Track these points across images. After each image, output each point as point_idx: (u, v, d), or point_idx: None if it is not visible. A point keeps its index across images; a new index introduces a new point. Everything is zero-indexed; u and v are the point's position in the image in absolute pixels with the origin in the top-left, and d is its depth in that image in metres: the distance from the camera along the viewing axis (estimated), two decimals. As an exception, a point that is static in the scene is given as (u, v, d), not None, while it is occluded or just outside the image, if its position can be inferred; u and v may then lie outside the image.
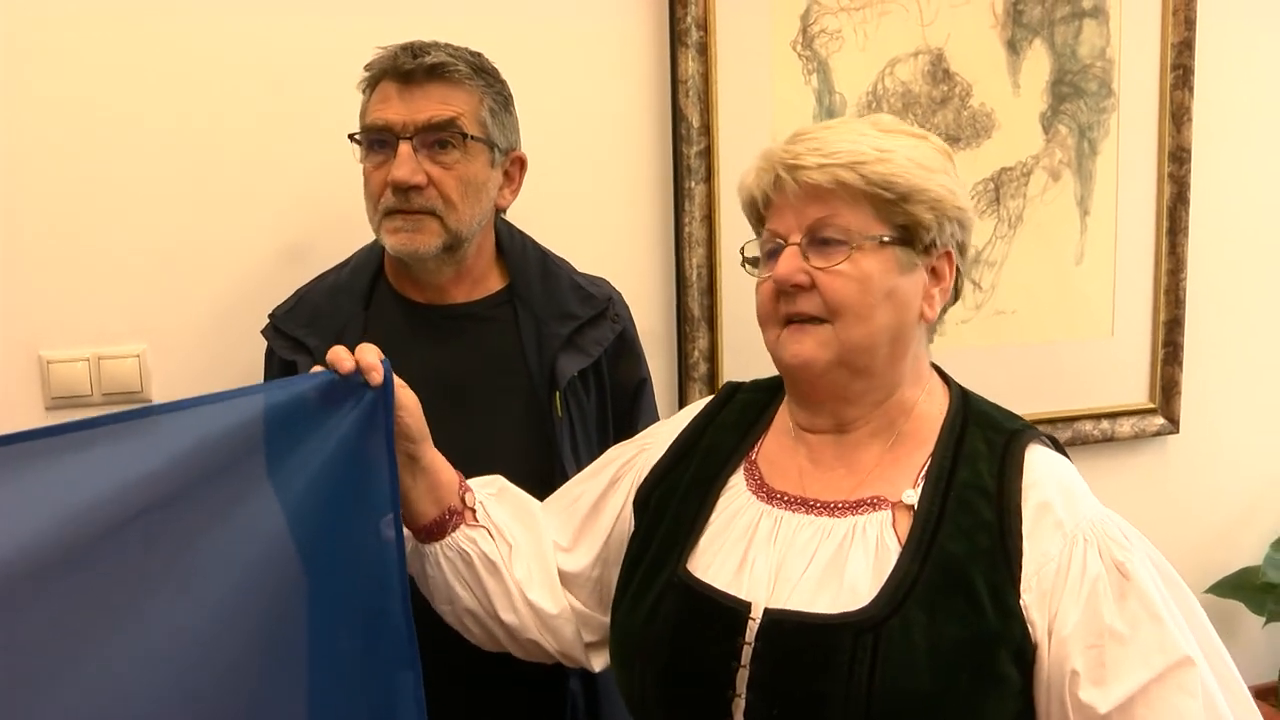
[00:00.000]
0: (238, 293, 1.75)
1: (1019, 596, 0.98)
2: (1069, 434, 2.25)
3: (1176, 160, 2.27)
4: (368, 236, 1.52)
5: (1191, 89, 2.26)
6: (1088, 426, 2.27)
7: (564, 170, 1.51)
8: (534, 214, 1.61)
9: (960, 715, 0.96)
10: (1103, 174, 2.19)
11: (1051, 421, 2.22)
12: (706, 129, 1.86)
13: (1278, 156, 2.41)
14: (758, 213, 1.14)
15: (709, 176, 1.87)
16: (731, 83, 1.87)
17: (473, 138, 1.38)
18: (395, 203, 1.36)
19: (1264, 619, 2.33)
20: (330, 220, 1.73)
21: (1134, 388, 2.32)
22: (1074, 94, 2.14)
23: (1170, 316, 2.31)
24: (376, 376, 1.14)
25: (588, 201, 1.86)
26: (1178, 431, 2.37)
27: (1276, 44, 2.37)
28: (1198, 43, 2.26)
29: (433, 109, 1.36)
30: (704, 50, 1.85)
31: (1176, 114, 2.26)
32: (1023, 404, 1.97)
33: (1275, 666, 2.36)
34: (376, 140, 1.38)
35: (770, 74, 1.91)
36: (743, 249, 1.15)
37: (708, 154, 1.87)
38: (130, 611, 1.16)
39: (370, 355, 1.13)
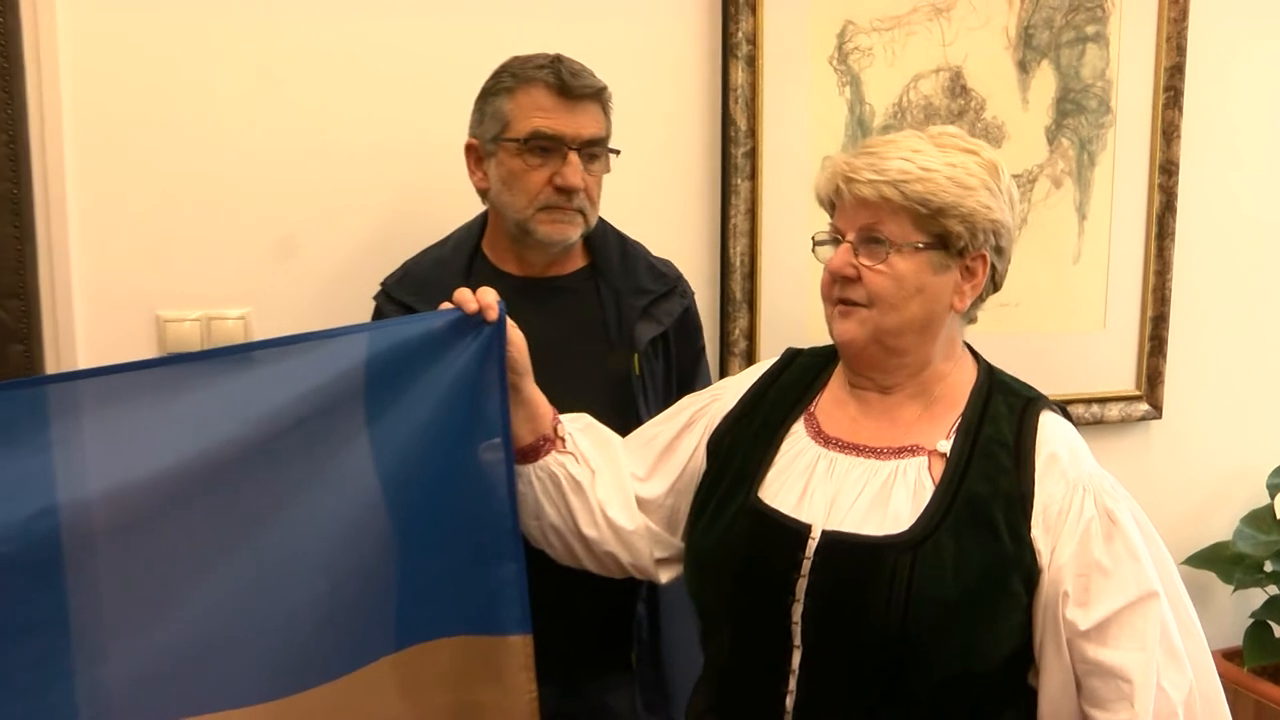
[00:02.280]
0: (332, 263, 1.98)
1: (1029, 530, 1.22)
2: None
3: (1166, 172, 2.50)
4: (448, 214, 1.77)
5: (1181, 108, 2.49)
6: (1079, 409, 2.50)
7: (626, 166, 1.73)
8: (601, 204, 1.85)
9: (977, 621, 1.20)
10: (1100, 183, 2.42)
11: None
12: (752, 132, 2.10)
13: (1259, 171, 2.64)
14: (828, 204, 1.36)
15: (753, 175, 2.11)
16: (775, 92, 2.11)
17: (608, 152, 1.65)
18: (557, 200, 1.61)
19: (1233, 587, 2.57)
20: (414, 200, 1.96)
21: (1122, 376, 2.55)
22: (1076, 110, 2.38)
23: (1156, 313, 2.54)
24: (493, 314, 1.38)
25: (646, 194, 2.08)
26: (1161, 417, 2.60)
27: (1259, 70, 2.60)
28: (1187, 67, 2.48)
29: (593, 127, 1.62)
30: (752, 63, 2.08)
31: (1167, 131, 2.49)
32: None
33: (1242, 629, 2.59)
34: (541, 145, 1.61)
35: (809, 85, 2.14)
36: (815, 235, 1.37)
37: (753, 155, 2.11)
38: (255, 522, 1.39)
39: (489, 296, 1.37)
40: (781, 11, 2.08)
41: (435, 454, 1.42)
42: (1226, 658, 2.61)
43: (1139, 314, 2.53)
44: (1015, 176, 2.29)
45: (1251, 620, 2.57)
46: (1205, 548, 2.64)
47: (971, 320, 1.39)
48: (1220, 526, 2.66)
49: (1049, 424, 1.29)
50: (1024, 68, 2.31)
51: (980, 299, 1.36)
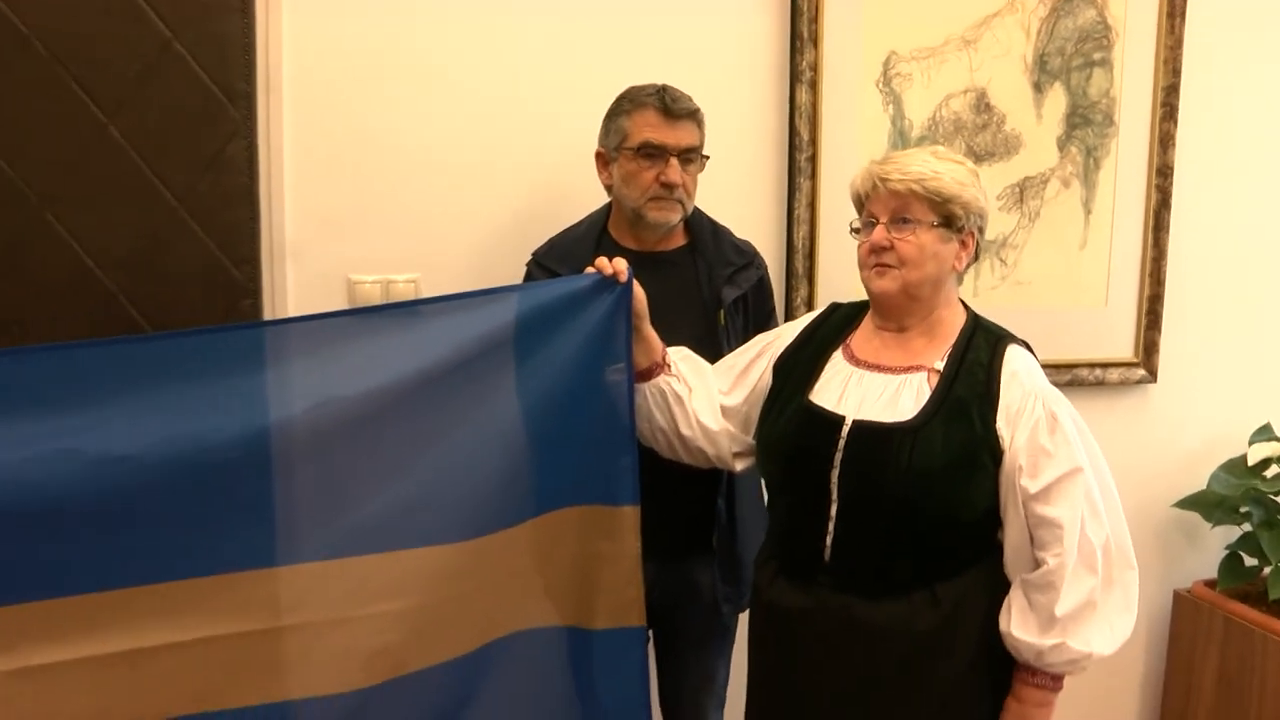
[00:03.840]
0: (486, 237, 2.55)
1: (995, 422, 1.75)
2: (1069, 378, 2.93)
3: (1162, 175, 2.94)
4: (579, 203, 2.33)
5: (1176, 121, 2.93)
6: (1084, 373, 2.97)
7: (716, 168, 2.26)
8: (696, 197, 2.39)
9: (958, 483, 1.74)
10: (1103, 183, 2.89)
11: (1056, 367, 2.87)
12: (813, 141, 2.64)
13: (1246, 174, 3.06)
14: (860, 201, 1.90)
15: (813, 175, 2.65)
16: (832, 108, 2.65)
17: (702, 157, 2.20)
18: (662, 193, 2.16)
19: (1212, 524, 3.05)
20: (553, 190, 2.52)
21: (1122, 346, 3.00)
22: (1083, 123, 2.86)
23: (1153, 293, 2.98)
24: (624, 276, 1.94)
25: (731, 189, 2.58)
26: (1155, 381, 3.04)
27: (1246, 87, 3.03)
28: (1182, 85, 2.92)
29: (689, 138, 2.17)
30: (814, 86, 2.62)
31: (1164, 140, 2.93)
32: (1041, 352, 2.63)
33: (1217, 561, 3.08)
34: (649, 152, 2.16)
35: (859, 103, 2.68)
36: (852, 223, 1.91)
37: (813, 159, 2.65)
38: (429, 431, 1.91)
39: (622, 264, 1.94)
40: (837, 45, 2.62)
41: (576, 376, 1.97)
42: (1208, 585, 3.10)
43: (1137, 293, 2.97)
44: (1029, 178, 2.84)
45: (1226, 551, 3.04)
46: (1193, 494, 3.07)
47: (960, 281, 1.91)
48: (1206, 476, 3.07)
49: (1013, 353, 1.82)
50: (1039, 88, 2.81)
51: (970, 264, 1.89)
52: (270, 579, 1.87)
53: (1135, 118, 2.92)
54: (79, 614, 1.78)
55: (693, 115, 2.19)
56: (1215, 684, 3.01)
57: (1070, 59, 2.82)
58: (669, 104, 2.17)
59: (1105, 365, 3.00)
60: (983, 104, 2.76)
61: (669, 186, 2.16)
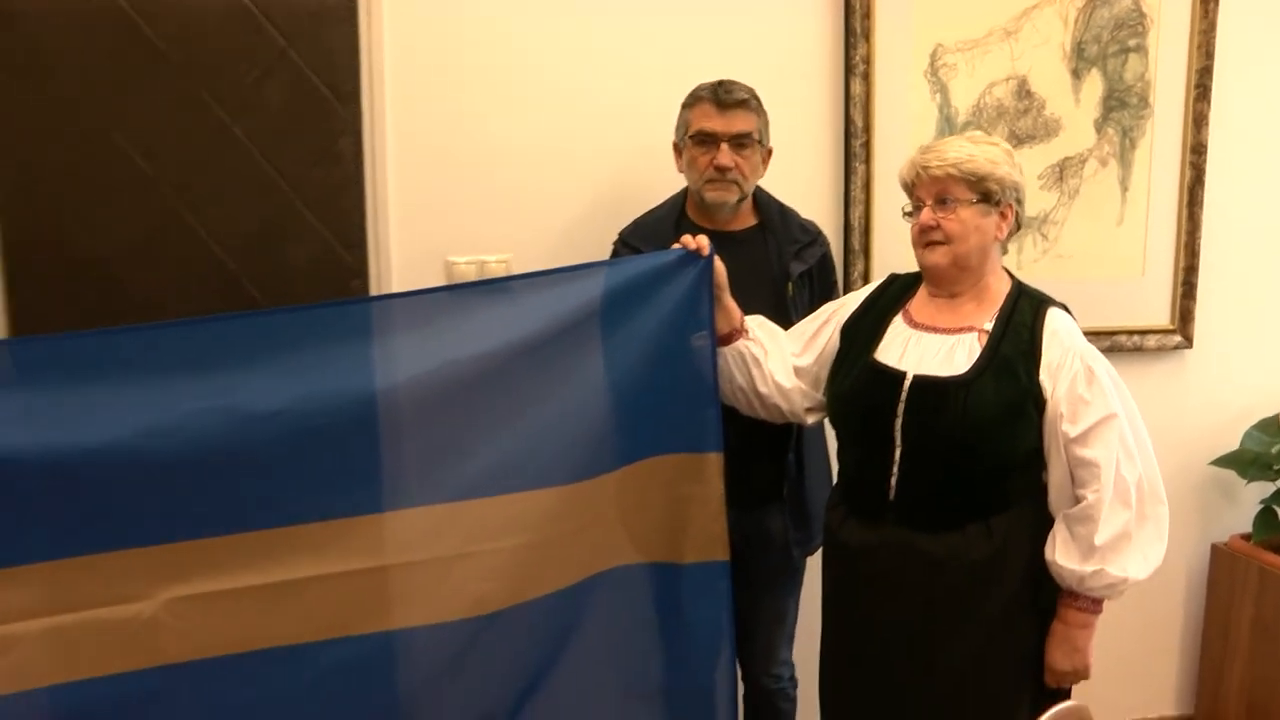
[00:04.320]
0: (571, 220, 2.80)
1: (1039, 376, 1.98)
2: (1108, 344, 3.08)
3: (1196, 153, 3.11)
4: (658, 188, 2.57)
5: (1209, 101, 3.10)
6: (1123, 339, 3.16)
7: (775, 154, 2.51)
8: (765, 181, 2.62)
9: (1006, 430, 1.98)
10: (1139, 162, 3.08)
11: (1096, 334, 2.99)
12: (866, 129, 2.87)
13: (1274, 151, 3.23)
14: (908, 188, 2.12)
15: (867, 159, 2.88)
16: (883, 98, 2.87)
17: (756, 142, 2.42)
18: (716, 176, 2.40)
19: (1247, 480, 3.24)
20: (634, 176, 2.75)
21: (1159, 314, 3.19)
22: (1119, 106, 3.06)
23: (1188, 264, 3.16)
24: (706, 251, 2.19)
25: (795, 174, 2.80)
26: (1191, 347, 3.22)
27: (1276, 68, 3.20)
28: (1215, 68, 3.09)
29: (741, 124, 2.40)
30: (866, 78, 2.85)
31: (1197, 119, 3.10)
32: (1081, 319, 2.77)
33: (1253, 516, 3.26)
34: (704, 140, 2.40)
35: (908, 92, 2.90)
36: (904, 207, 2.14)
37: (867, 145, 2.88)
38: (528, 393, 2.17)
39: (704, 240, 2.18)
40: (887, 39, 2.85)
41: (665, 340, 2.22)
42: (1243, 538, 3.29)
43: (1173, 265, 3.16)
44: (1068, 159, 3.04)
45: (1260, 506, 3.23)
46: (1228, 452, 3.26)
47: (1004, 250, 2.13)
48: (1240, 435, 3.25)
49: (1054, 315, 2.05)
50: (1077, 74, 3.01)
51: (1011, 233, 2.11)
52: (378, 523, 2.14)
53: (1169, 99, 3.10)
54: (234, 551, 2.07)
55: (744, 104, 2.42)
56: (1250, 630, 3.21)
57: (1106, 46, 3.02)
58: (721, 95, 2.41)
59: (1143, 332, 3.19)
60: (1023, 90, 2.97)
61: (721, 169, 2.40)
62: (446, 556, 2.17)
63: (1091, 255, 3.11)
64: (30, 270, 2.65)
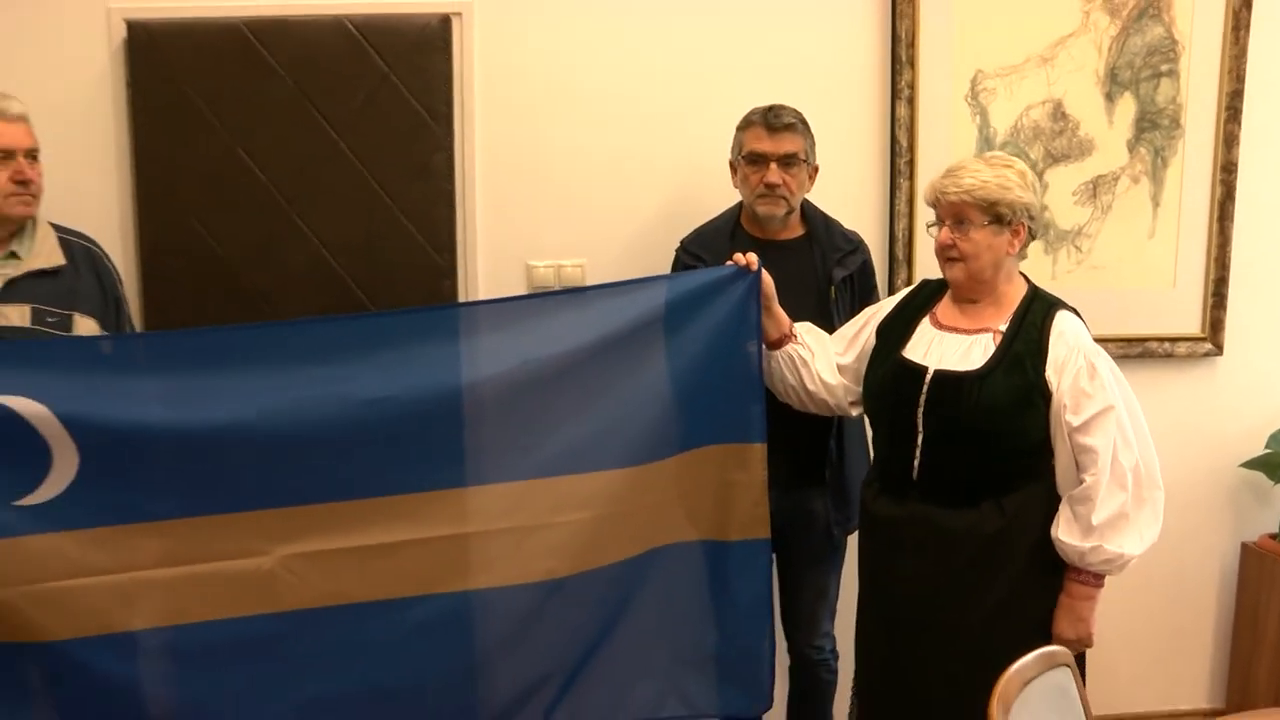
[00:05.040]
0: (640, 227, 3.09)
1: (1045, 371, 2.23)
2: (1140, 350, 3.31)
3: (1226, 170, 3.29)
4: (714, 200, 2.84)
5: (1240, 123, 3.28)
6: (1154, 346, 3.34)
7: (827, 171, 2.77)
8: (812, 195, 2.88)
9: (1016, 418, 2.23)
10: (1170, 179, 3.27)
11: (1129, 340, 3.28)
12: (910, 148, 3.14)
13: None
14: (931, 206, 2.38)
15: (911, 176, 3.14)
16: (926, 120, 3.13)
17: (803, 161, 2.69)
18: (766, 191, 2.67)
19: (1275, 482, 3.38)
20: (696, 190, 3.02)
21: (1189, 322, 3.36)
22: (1151, 127, 3.26)
23: (1218, 275, 3.33)
24: (754, 266, 2.46)
25: (841, 188, 3.05)
26: (1221, 354, 3.37)
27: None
28: (1245, 91, 3.27)
29: (789, 146, 2.67)
30: (911, 102, 3.11)
31: (1228, 140, 3.28)
32: (1111, 328, 3.13)
33: (1281, 518, 3.44)
34: (755, 159, 2.68)
35: (950, 115, 3.15)
36: (928, 222, 2.40)
37: (911, 163, 3.14)
38: (595, 389, 2.47)
39: (753, 256, 2.46)
40: (931, 67, 3.11)
41: (718, 344, 2.50)
42: (1272, 537, 3.44)
43: (1203, 276, 3.33)
44: (1101, 176, 3.25)
45: (1286, 506, 3.42)
46: (1257, 455, 3.41)
47: (1023, 258, 2.38)
48: (1266, 439, 3.41)
49: (1062, 317, 2.30)
50: (1110, 98, 3.22)
51: (1025, 246, 2.35)
52: (461, 497, 2.47)
53: (1200, 120, 3.28)
54: (341, 515, 2.41)
55: (791, 127, 2.69)
56: (1279, 626, 3.37)
57: (1139, 71, 3.23)
58: (770, 120, 2.69)
59: (1174, 340, 3.37)
60: (1059, 113, 3.20)
61: (771, 186, 2.68)
62: (522, 527, 2.48)
63: (1124, 267, 3.31)
64: (162, 268, 3.01)
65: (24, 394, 2.22)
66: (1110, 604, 2.90)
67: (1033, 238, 2.37)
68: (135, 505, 2.32)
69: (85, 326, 2.58)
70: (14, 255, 2.55)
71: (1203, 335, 3.40)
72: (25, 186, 2.51)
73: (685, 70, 3.10)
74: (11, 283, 2.53)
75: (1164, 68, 3.25)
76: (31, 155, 2.54)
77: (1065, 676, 1.93)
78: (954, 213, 2.30)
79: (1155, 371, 3.36)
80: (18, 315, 2.50)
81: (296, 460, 2.38)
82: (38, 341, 2.47)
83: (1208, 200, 3.34)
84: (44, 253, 2.59)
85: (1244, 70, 3.30)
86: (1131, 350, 3.32)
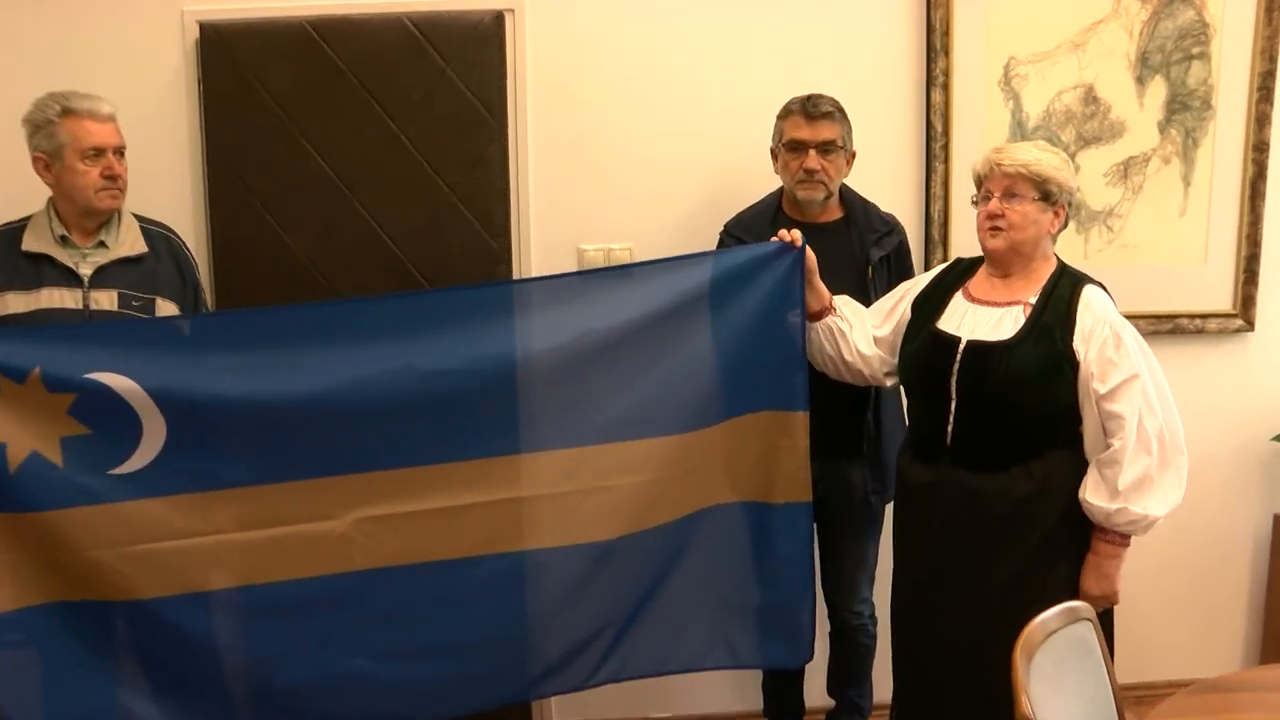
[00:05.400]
0: (685, 212, 3.23)
1: (1073, 341, 2.35)
2: (1171, 326, 3.39)
3: (1258, 150, 3.36)
4: (761, 184, 2.97)
5: (1272, 102, 3.35)
6: (1185, 323, 3.43)
7: (865, 156, 2.90)
8: (851, 179, 3.01)
9: (1043, 385, 2.35)
10: (1201, 159, 3.35)
11: (1159, 317, 3.37)
12: (945, 133, 3.25)
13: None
14: (979, 180, 2.50)
15: (946, 160, 3.26)
16: (961, 106, 3.24)
17: (840, 148, 2.82)
18: (805, 177, 2.81)
19: (1306, 455, 3.50)
20: (739, 176, 3.15)
21: (1220, 299, 3.45)
22: (1182, 109, 3.35)
23: (1250, 252, 3.41)
24: (799, 243, 2.59)
25: (878, 172, 3.16)
26: (1252, 330, 3.46)
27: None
28: (1278, 71, 3.36)
29: (826, 133, 2.80)
30: (946, 88, 3.23)
31: (1260, 119, 3.35)
32: (1143, 304, 3.24)
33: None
34: (795, 147, 2.82)
35: (984, 100, 3.26)
36: (973, 196, 2.53)
37: (946, 148, 3.26)
38: (643, 361, 2.62)
39: (797, 233, 2.59)
40: (965, 54, 3.22)
41: (764, 317, 2.64)
42: (1303, 511, 3.56)
43: (1234, 253, 3.41)
44: (1132, 158, 3.35)
45: (1319, 478, 3.50)
46: None
47: (1054, 241, 2.50)
48: None
49: (1089, 290, 2.42)
50: (1141, 81, 3.32)
51: (1062, 228, 2.48)
52: (517, 463, 2.64)
53: (1232, 101, 3.36)
54: (408, 481, 2.59)
55: (829, 115, 2.83)
56: (1310, 595, 3.47)
57: (1170, 54, 3.33)
58: (809, 108, 2.82)
59: (1205, 316, 3.46)
60: (1090, 97, 3.31)
61: (810, 172, 2.82)
62: (577, 490, 2.65)
63: (1155, 244, 3.40)
64: (233, 254, 3.19)
65: (115, 370, 2.42)
66: (1144, 575, 3.10)
67: (1067, 223, 2.49)
68: (216, 473, 2.51)
69: (166, 309, 2.76)
70: (102, 244, 2.74)
71: (1234, 312, 3.48)
72: (114, 181, 2.69)
73: (728, 62, 3.23)
74: (100, 270, 2.71)
75: (1195, 50, 3.34)
76: (119, 152, 2.71)
77: (1087, 630, 2.06)
78: (1006, 184, 2.43)
79: (1187, 347, 3.46)
80: (107, 300, 2.69)
81: (365, 429, 2.55)
82: (125, 321, 2.67)
83: (1239, 179, 3.42)
84: (128, 242, 2.77)
85: (1276, 51, 3.37)
86: (1163, 326, 3.42)
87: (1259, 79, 3.38)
